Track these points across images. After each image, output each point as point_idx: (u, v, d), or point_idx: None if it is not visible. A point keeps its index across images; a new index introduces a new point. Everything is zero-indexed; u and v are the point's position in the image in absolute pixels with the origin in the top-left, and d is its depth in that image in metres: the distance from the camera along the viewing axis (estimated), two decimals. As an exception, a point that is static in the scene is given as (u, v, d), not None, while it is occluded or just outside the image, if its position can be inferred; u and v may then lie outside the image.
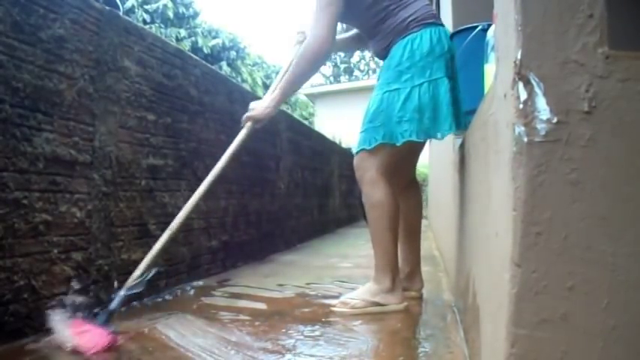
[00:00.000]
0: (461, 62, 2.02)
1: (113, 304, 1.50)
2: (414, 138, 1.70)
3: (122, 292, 1.53)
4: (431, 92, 1.70)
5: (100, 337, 1.36)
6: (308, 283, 2.43)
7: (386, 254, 1.81)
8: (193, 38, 11.88)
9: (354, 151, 1.90)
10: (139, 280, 1.58)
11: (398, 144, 1.73)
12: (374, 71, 20.73)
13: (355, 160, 1.86)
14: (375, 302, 1.82)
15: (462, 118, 1.78)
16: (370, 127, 1.78)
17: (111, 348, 1.36)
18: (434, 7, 5.21)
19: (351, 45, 2.20)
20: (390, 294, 1.82)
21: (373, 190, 1.80)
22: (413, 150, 1.91)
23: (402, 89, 1.72)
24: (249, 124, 1.88)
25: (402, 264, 2.01)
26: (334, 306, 1.85)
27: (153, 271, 1.63)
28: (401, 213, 1.91)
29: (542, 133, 0.69)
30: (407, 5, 1.78)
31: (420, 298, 2.05)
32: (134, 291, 1.56)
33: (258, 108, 1.88)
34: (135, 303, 1.89)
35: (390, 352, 1.38)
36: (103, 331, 1.38)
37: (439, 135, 1.73)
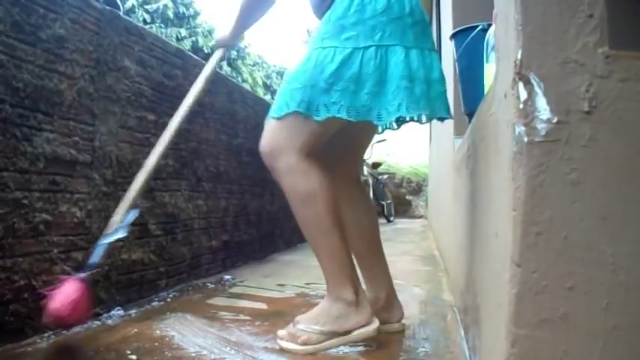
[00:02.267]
0: (461, 62, 2.03)
1: (94, 257, 1.41)
2: (342, 115, 1.26)
3: (102, 241, 1.44)
4: (378, 60, 1.26)
5: (67, 295, 1.30)
6: (308, 283, 2.43)
7: (335, 257, 1.34)
8: (194, 38, 11.89)
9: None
10: (119, 225, 1.45)
11: (318, 118, 1.27)
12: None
13: (263, 136, 1.37)
14: (334, 332, 1.34)
15: (439, 102, 1.32)
16: (287, 89, 1.33)
17: (80, 306, 1.31)
18: (434, 7, 5.21)
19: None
20: (355, 312, 1.34)
21: (296, 178, 1.32)
22: (351, 134, 1.48)
23: (340, 49, 1.28)
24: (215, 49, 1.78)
25: (371, 292, 1.54)
26: (282, 338, 1.39)
27: (133, 213, 1.48)
28: (349, 226, 1.48)
29: (543, 133, 0.69)
30: None
31: (403, 331, 1.56)
32: (116, 237, 1.44)
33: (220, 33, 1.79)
34: (134, 303, 1.89)
35: (390, 351, 1.38)
36: (74, 288, 1.32)
37: (380, 116, 1.27)
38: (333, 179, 1.41)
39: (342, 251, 1.35)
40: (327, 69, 1.27)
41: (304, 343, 1.33)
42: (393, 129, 1.48)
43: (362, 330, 1.35)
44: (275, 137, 1.34)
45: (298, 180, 1.32)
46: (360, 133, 1.52)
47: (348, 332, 1.35)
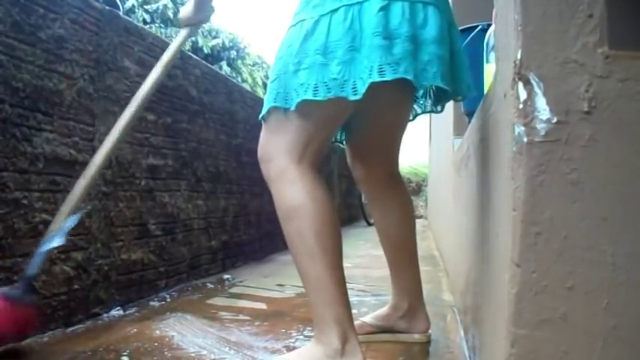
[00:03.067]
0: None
1: (31, 268, 1.28)
2: (308, 96, 1.03)
3: (39, 250, 1.30)
4: (349, 22, 1.02)
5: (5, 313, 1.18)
6: (308, 283, 2.42)
7: (319, 289, 1.09)
8: (193, 38, 11.88)
9: None
10: (56, 232, 1.32)
11: (292, 108, 1.06)
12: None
13: (259, 145, 1.21)
14: None
15: (433, 67, 1.04)
16: (270, 84, 1.15)
17: (24, 325, 1.22)
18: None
19: None
20: None
21: (282, 186, 1.13)
22: (375, 125, 1.30)
23: (308, 20, 1.06)
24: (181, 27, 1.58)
25: (397, 298, 1.43)
26: None
27: (73, 219, 1.34)
28: (380, 231, 1.39)
29: (542, 133, 0.69)
30: None
31: (428, 342, 1.44)
32: (53, 245, 1.31)
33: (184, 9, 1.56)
34: (134, 303, 1.89)
35: (390, 351, 1.38)
36: (10, 306, 1.19)
37: (356, 89, 1.01)
38: (366, 180, 1.33)
39: (329, 283, 1.07)
40: (294, 48, 1.07)
41: None
42: (418, 114, 1.34)
43: None
44: (263, 141, 1.18)
45: (284, 189, 1.13)
46: (384, 122, 1.31)
47: None
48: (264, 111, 1.15)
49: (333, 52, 1.02)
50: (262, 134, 1.19)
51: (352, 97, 1.01)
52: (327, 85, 1.01)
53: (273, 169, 1.14)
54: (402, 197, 1.41)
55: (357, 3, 1.02)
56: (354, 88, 1.01)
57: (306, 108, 1.06)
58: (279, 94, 1.09)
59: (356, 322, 1.31)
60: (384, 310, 1.47)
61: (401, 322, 1.43)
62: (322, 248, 1.08)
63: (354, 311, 1.19)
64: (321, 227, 1.09)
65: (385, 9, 1.01)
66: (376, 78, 0.99)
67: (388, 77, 0.99)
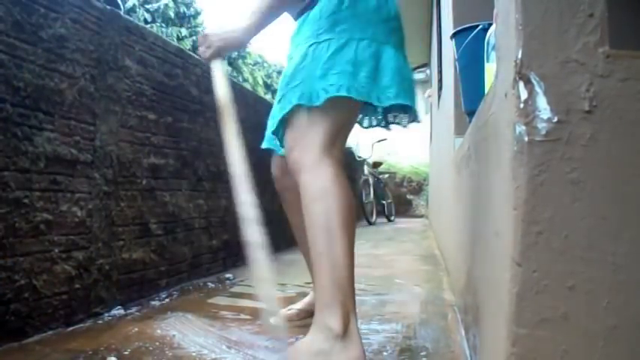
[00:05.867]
0: (461, 62, 2.02)
1: None
2: (342, 93, 1.19)
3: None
4: (373, 50, 1.26)
5: None
6: (308, 282, 2.42)
7: (333, 270, 1.15)
8: (194, 37, 11.87)
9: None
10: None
11: (318, 103, 1.21)
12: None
13: (286, 144, 1.33)
14: None
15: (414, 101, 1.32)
16: (289, 87, 1.28)
17: None
18: (434, 7, 5.21)
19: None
20: (340, 348, 1.08)
21: (316, 173, 1.23)
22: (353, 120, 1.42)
23: (335, 39, 1.25)
24: (218, 58, 1.47)
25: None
26: None
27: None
28: (302, 224, 1.39)
29: (543, 132, 0.69)
30: None
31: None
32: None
33: (221, 32, 1.42)
34: (135, 302, 1.89)
35: (391, 351, 1.38)
36: None
37: (380, 99, 1.25)
38: (293, 189, 1.39)
39: (343, 265, 1.15)
40: (322, 59, 1.23)
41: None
42: (375, 126, 1.51)
43: None
44: (292, 138, 1.29)
45: (317, 174, 1.23)
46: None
47: None
48: (284, 110, 1.27)
49: (361, 67, 1.23)
50: (289, 133, 1.30)
51: (376, 103, 1.25)
52: (357, 89, 1.21)
53: (308, 159, 1.24)
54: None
55: (378, 41, 1.27)
56: (379, 97, 1.24)
57: (329, 108, 1.22)
58: (303, 94, 1.23)
59: (290, 311, 1.63)
60: (310, 296, 1.67)
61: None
62: (343, 230, 1.17)
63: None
64: (345, 212, 1.19)
65: (396, 54, 1.30)
66: (402, 100, 1.25)
67: (405, 101, 1.26)
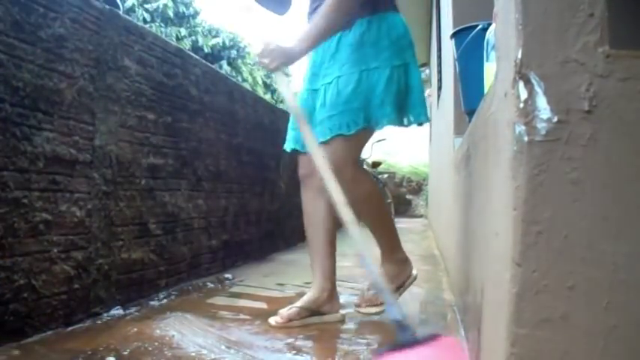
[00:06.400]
0: (461, 62, 2.02)
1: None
2: (394, 123, 1.59)
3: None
4: (404, 72, 1.59)
5: None
6: (307, 282, 2.42)
7: (390, 237, 1.76)
8: (194, 37, 11.86)
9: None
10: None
11: (378, 129, 1.59)
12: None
13: (330, 149, 1.51)
14: (395, 288, 1.71)
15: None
16: (347, 108, 1.54)
17: None
18: (434, 6, 5.21)
19: None
20: (405, 267, 1.77)
21: (358, 184, 1.58)
22: None
23: (382, 68, 1.55)
24: (279, 71, 1.53)
25: (320, 281, 1.74)
26: (359, 305, 1.76)
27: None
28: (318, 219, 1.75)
29: (543, 132, 0.69)
30: None
31: (343, 321, 1.73)
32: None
33: (281, 46, 1.51)
34: (134, 302, 1.89)
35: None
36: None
37: (408, 120, 1.62)
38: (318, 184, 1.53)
39: (392, 232, 1.78)
40: (378, 87, 1.55)
41: (382, 303, 1.65)
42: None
43: (408, 281, 1.78)
44: (343, 149, 1.56)
45: (359, 184, 1.59)
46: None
47: (400, 287, 1.75)
48: (350, 129, 1.54)
49: (402, 95, 1.58)
50: (341, 145, 1.55)
51: (406, 124, 1.64)
52: (399, 119, 1.60)
53: (350, 172, 1.56)
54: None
55: (407, 64, 1.60)
56: (408, 120, 1.63)
57: (370, 130, 1.62)
58: (366, 118, 1.55)
59: (292, 310, 1.69)
60: (311, 294, 1.73)
61: (326, 304, 1.72)
62: (387, 214, 1.81)
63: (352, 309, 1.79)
64: (384, 203, 1.84)
65: (417, 69, 1.68)
66: (423, 120, 1.65)
67: (424, 120, 1.66)
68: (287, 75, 1.60)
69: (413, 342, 1.01)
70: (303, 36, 1.52)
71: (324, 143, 1.52)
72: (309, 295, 1.72)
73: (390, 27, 1.59)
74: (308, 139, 1.36)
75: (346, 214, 1.25)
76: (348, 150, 1.57)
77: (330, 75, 1.61)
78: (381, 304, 1.65)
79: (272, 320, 1.66)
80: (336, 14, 1.49)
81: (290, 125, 1.80)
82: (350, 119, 1.54)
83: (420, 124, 1.69)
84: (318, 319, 1.68)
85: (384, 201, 1.78)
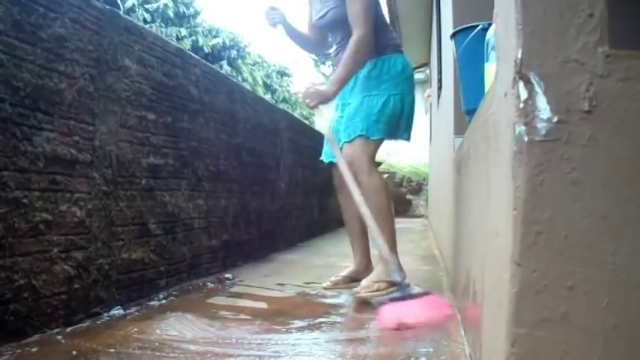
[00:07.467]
0: (461, 62, 2.02)
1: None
2: (386, 138, 2.15)
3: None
4: (400, 100, 2.13)
5: None
6: (308, 282, 2.43)
7: (392, 226, 2.12)
8: (194, 37, 11.87)
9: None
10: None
11: (374, 138, 2.10)
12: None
13: (351, 147, 2.08)
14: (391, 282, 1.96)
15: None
16: (376, 120, 2.09)
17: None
18: (434, 6, 5.21)
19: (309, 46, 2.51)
20: (400, 267, 1.96)
21: (371, 177, 2.07)
22: None
23: (380, 95, 2.11)
24: (316, 104, 2.08)
25: (360, 257, 2.32)
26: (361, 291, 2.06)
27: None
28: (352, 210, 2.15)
29: (543, 132, 0.69)
30: (388, 30, 2.28)
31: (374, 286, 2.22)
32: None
33: (319, 89, 2.12)
34: (135, 302, 1.89)
35: (391, 351, 1.38)
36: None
37: (397, 138, 2.21)
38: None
39: (393, 229, 2.16)
40: (375, 108, 2.10)
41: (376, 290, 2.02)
42: None
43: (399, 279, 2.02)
44: (363, 151, 2.07)
45: (372, 177, 2.07)
46: None
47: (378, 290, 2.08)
48: (374, 136, 2.09)
49: (395, 118, 2.14)
50: (361, 145, 2.08)
51: (394, 140, 2.26)
52: (391, 135, 2.16)
53: (366, 166, 2.06)
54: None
55: (403, 94, 2.17)
56: (397, 138, 2.22)
57: (377, 139, 2.13)
58: (386, 132, 2.13)
59: (338, 277, 2.31)
60: (352, 267, 2.34)
61: (363, 273, 2.25)
62: (391, 212, 2.14)
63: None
64: (391, 198, 2.17)
65: (412, 99, 2.26)
66: (407, 139, 2.27)
67: (407, 140, 2.28)
68: (323, 110, 2.12)
69: (410, 296, 1.68)
70: (335, 79, 2.11)
71: (347, 142, 2.09)
72: (352, 267, 2.32)
73: (390, 66, 2.14)
74: (337, 157, 2.00)
75: (364, 208, 1.85)
76: (366, 147, 2.08)
77: (350, 102, 2.19)
78: (376, 290, 2.00)
79: (323, 284, 2.27)
80: (360, 56, 2.04)
81: (325, 142, 2.31)
82: (376, 128, 2.10)
83: (406, 140, 2.25)
84: (357, 284, 2.14)
85: (391, 198, 2.08)
